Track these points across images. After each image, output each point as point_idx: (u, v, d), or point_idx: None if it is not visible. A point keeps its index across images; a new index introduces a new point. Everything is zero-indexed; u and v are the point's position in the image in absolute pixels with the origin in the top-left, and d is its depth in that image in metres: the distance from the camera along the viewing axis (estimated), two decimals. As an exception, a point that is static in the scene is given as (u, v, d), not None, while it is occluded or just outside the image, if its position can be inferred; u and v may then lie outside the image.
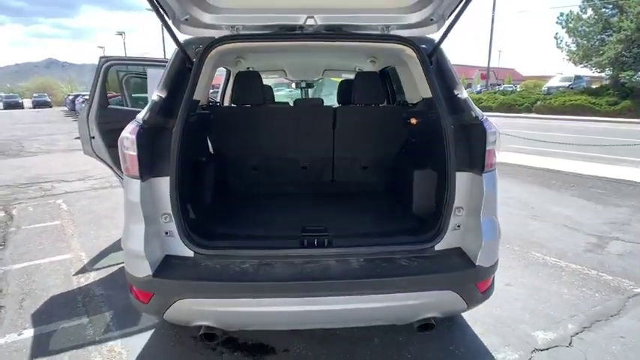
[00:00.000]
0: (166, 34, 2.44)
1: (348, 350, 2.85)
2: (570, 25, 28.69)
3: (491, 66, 39.79)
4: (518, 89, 38.90)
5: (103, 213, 6.14)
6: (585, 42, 28.26)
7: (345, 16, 2.57)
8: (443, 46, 2.67)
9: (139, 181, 2.18)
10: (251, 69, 4.56)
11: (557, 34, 30.15)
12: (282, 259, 2.31)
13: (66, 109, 39.77)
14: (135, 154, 2.16)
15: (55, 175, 9.12)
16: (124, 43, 55.68)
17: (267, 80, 6.11)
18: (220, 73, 5.40)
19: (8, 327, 3.16)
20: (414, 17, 2.58)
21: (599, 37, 27.65)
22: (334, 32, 2.66)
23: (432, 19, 2.60)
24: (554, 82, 33.34)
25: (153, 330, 3.07)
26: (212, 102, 4.21)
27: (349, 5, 2.54)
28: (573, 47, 29.24)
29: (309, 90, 6.87)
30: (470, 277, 2.29)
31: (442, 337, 3.00)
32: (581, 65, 29.31)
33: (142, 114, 2.32)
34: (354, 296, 2.20)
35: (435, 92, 2.46)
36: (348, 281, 2.18)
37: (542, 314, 3.33)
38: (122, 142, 2.21)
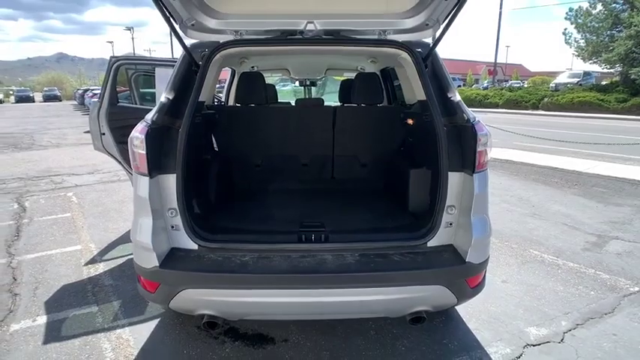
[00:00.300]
0: (174, 38, 2.57)
1: (344, 341, 2.97)
2: (579, 20, 28.39)
3: (498, 62, 39.49)
4: (526, 85, 38.62)
5: (112, 206, 6.31)
6: (594, 38, 27.95)
7: (343, 21, 2.69)
8: (442, 46, 2.78)
9: (147, 177, 2.32)
10: (255, 68, 4.68)
11: (565, 29, 29.89)
12: (280, 253, 2.44)
13: (75, 102, 40.21)
14: (144, 152, 2.29)
15: (65, 168, 9.32)
16: (133, 38, 56.06)
17: (273, 77, 6.25)
18: (226, 68, 5.53)
19: (23, 314, 3.32)
20: (410, 22, 2.68)
21: (608, 32, 27.32)
22: (333, 37, 2.77)
23: (427, 24, 2.70)
24: (562, 79, 33.07)
25: (159, 319, 3.21)
26: (217, 101, 4.34)
27: (347, 11, 2.65)
28: (582, 43, 28.95)
29: (313, 87, 6.99)
30: (460, 272, 2.40)
31: (436, 330, 3.11)
32: (590, 61, 29.02)
33: (151, 114, 2.46)
34: (348, 289, 2.32)
35: (429, 95, 2.57)
36: (342, 275, 2.30)
37: (537, 311, 3.41)
38: (132, 141, 2.34)
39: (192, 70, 2.66)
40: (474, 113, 2.58)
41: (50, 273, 4.04)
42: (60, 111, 31.56)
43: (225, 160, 3.76)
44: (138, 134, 2.32)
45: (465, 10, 2.35)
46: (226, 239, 2.55)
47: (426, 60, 2.70)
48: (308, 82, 6.59)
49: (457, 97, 2.60)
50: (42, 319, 3.23)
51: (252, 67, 4.67)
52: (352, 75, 5.19)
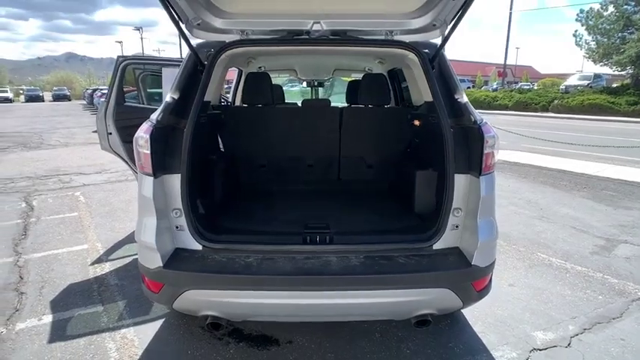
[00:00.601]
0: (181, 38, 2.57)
1: (349, 343, 2.95)
2: (590, 22, 28.14)
3: (508, 63, 39.25)
4: (535, 87, 38.33)
5: (119, 205, 6.34)
6: (605, 40, 27.70)
7: (350, 22, 2.68)
8: (451, 47, 2.77)
9: (151, 177, 2.32)
10: (262, 69, 4.69)
11: (576, 31, 29.66)
12: (285, 255, 2.43)
13: (84, 102, 40.56)
14: (148, 152, 2.30)
15: (73, 167, 9.40)
16: (142, 38, 56.47)
17: (281, 78, 6.26)
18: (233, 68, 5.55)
19: (29, 312, 3.34)
20: (417, 23, 2.66)
21: (620, 34, 27.08)
22: (339, 37, 2.76)
23: (434, 25, 2.68)
24: (572, 81, 32.78)
25: (163, 319, 3.22)
26: (224, 101, 4.35)
27: (354, 11, 2.63)
28: (593, 45, 28.70)
29: (320, 88, 6.99)
30: (465, 276, 2.37)
31: (442, 334, 3.08)
32: (601, 64, 28.76)
33: (156, 114, 2.46)
34: (352, 291, 2.31)
35: (435, 96, 2.55)
36: (346, 277, 2.29)
37: (543, 315, 3.37)
38: (137, 141, 2.35)
39: (197, 69, 2.66)
40: (481, 115, 2.56)
41: (56, 272, 4.06)
42: (69, 110, 31.86)
43: (230, 160, 3.77)
44: (142, 134, 2.32)
45: (472, 11, 2.34)
46: (230, 240, 2.55)
47: (433, 61, 2.68)
48: (315, 83, 6.59)
49: (464, 98, 2.57)
50: (47, 318, 3.25)
51: (260, 67, 4.67)
52: (360, 76, 5.19)
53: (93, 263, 4.27)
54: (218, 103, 3.95)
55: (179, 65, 2.82)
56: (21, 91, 60.75)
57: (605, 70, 31.21)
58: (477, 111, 2.58)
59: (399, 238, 2.60)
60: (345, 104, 4.49)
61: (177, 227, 2.47)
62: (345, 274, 2.30)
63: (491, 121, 2.59)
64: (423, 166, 3.08)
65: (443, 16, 2.60)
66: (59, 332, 3.07)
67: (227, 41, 2.68)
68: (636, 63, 25.43)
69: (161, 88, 4.92)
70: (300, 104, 4.92)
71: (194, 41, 2.76)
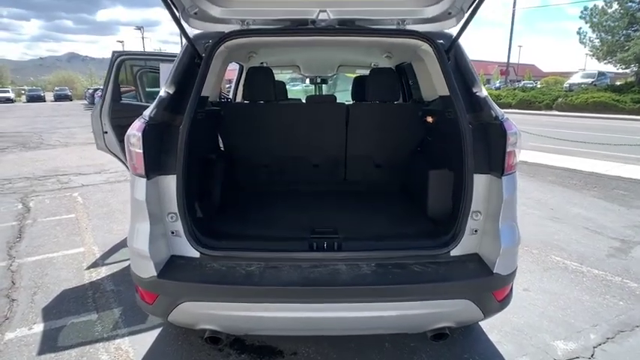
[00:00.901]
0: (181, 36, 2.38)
1: (357, 354, 2.77)
2: (594, 19, 27.91)
3: (510, 62, 38.98)
4: (539, 86, 38.09)
5: (117, 207, 6.17)
6: (610, 37, 27.51)
7: (358, 10, 2.47)
8: (461, 40, 2.54)
9: (144, 179, 2.13)
10: (264, 64, 4.49)
11: (580, 29, 29.44)
12: (290, 263, 2.24)
13: (86, 102, 40.42)
14: (141, 151, 2.10)
15: (72, 168, 9.24)
16: (143, 38, 56.34)
17: (281, 76, 6.05)
18: (233, 68, 5.36)
19: (19, 321, 3.16)
20: (431, 11, 2.46)
21: (624, 32, 26.89)
22: (347, 27, 2.56)
23: (449, 13, 2.48)
24: (576, 79, 32.59)
25: (160, 329, 3.04)
26: (224, 98, 4.16)
27: None
28: (597, 43, 28.48)
29: (324, 86, 6.77)
30: (487, 285, 2.18)
31: (456, 344, 2.90)
32: (605, 61, 28.56)
33: (149, 110, 2.27)
34: (363, 303, 2.12)
35: (452, 90, 2.34)
36: (357, 287, 2.09)
37: (562, 322, 3.19)
38: (128, 139, 2.16)
39: (194, 62, 2.46)
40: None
41: (50, 277, 3.89)
42: (70, 110, 31.71)
43: (230, 160, 3.57)
44: (134, 132, 2.13)
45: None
46: (231, 247, 2.36)
47: (449, 52, 2.47)
48: (319, 80, 6.38)
49: (483, 92, 2.37)
50: (39, 327, 3.08)
51: (261, 63, 4.48)
52: (365, 72, 4.99)
53: (89, 267, 4.10)
54: (217, 100, 3.76)
55: None
56: (22, 92, 60.68)
57: (608, 68, 31.00)
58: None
59: (413, 244, 2.40)
60: (350, 101, 4.29)
61: (172, 233, 2.27)
62: (355, 284, 2.10)
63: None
64: (437, 166, 2.89)
65: (459, 3, 2.40)
66: (50, 343, 2.89)
67: (226, 32, 2.48)
68: (641, 60, 25.23)
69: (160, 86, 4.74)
70: (304, 101, 4.72)
71: (191, 32, 2.56)
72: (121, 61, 4.38)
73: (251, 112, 3.64)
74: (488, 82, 51.74)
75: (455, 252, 2.31)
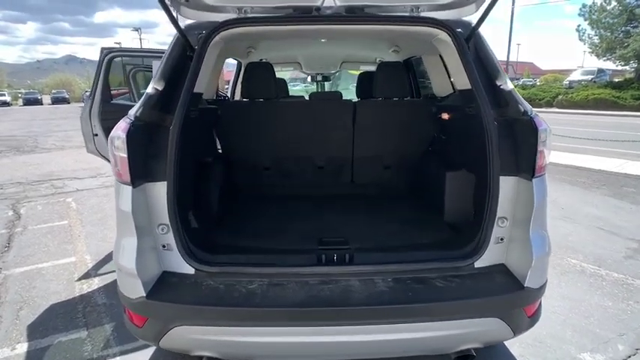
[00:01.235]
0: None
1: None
2: (593, 16, 27.76)
3: (509, 60, 38.77)
4: (538, 83, 37.95)
5: (113, 212, 5.82)
6: (609, 34, 27.36)
7: None
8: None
9: (130, 187, 1.89)
10: (264, 60, 4.25)
11: (579, 26, 29.32)
12: (296, 278, 2.00)
13: (83, 104, 40.08)
14: (125, 155, 1.86)
15: (67, 172, 9.00)
16: (140, 39, 55.98)
17: (280, 74, 5.79)
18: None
19: (2, 340, 2.93)
20: None
21: (623, 28, 26.75)
22: (356, 15, 2.32)
23: None
24: (575, 76, 32.42)
25: (154, 348, 2.78)
26: (222, 96, 3.92)
27: None
28: (596, 40, 28.35)
29: (326, 84, 6.52)
30: (518, 301, 1.96)
31: (476, 358, 2.67)
32: (604, 58, 28.44)
33: (135, 109, 2.02)
34: (380, 325, 1.88)
35: (474, 83, 2.11)
36: (373, 308, 1.86)
37: (587, 332, 2.98)
38: (112, 142, 1.92)
39: (186, 55, 2.21)
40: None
41: (39, 290, 3.66)
42: (67, 113, 31.38)
43: (228, 163, 3.33)
44: (118, 133, 1.88)
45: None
46: (229, 261, 2.12)
47: (468, 41, 2.23)
48: (321, 78, 6.12)
49: (508, 84, 2.13)
50: (22, 348, 2.84)
51: (260, 59, 4.23)
52: (370, 68, 4.76)
53: (80, 279, 3.87)
54: (214, 98, 3.52)
55: None
56: (19, 95, 60.35)
57: (607, 64, 30.88)
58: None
59: (433, 255, 2.16)
60: (354, 99, 4.04)
61: (163, 246, 2.03)
62: (371, 303, 1.86)
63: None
64: (454, 167, 2.65)
65: None
66: (34, 365, 2.67)
67: (221, 21, 2.23)
68: (640, 57, 25.11)
69: None
70: (307, 98, 4.46)
71: (183, 23, 2.31)
72: (110, 58, 4.12)
73: (250, 111, 3.39)
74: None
75: (479, 263, 2.07)
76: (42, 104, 49.91)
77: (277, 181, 3.58)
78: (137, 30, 55.22)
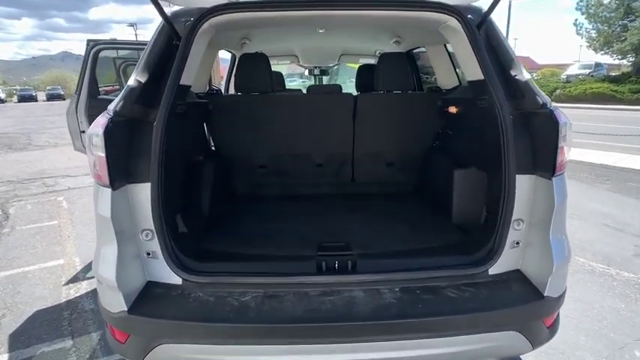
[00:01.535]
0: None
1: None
2: (591, 10, 27.65)
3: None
4: (536, 78, 37.84)
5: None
6: (606, 28, 27.26)
7: None
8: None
9: (109, 189, 1.71)
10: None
11: (576, 20, 29.24)
12: (294, 289, 1.83)
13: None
14: (103, 155, 1.68)
15: (59, 169, 8.81)
16: (136, 35, 55.40)
17: (277, 68, 5.58)
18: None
19: (-19, 351, 2.76)
20: None
21: (621, 22, 26.65)
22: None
23: None
24: (573, 70, 32.28)
25: (144, 358, 2.64)
26: (215, 90, 3.71)
27: None
28: (594, 34, 28.26)
29: (324, 77, 6.31)
30: (537, 311, 1.80)
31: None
32: (602, 52, 28.36)
33: (115, 103, 1.83)
34: (388, 342, 1.70)
35: (488, 73, 1.93)
36: (380, 323, 1.68)
37: (601, 337, 2.84)
38: (90, 140, 1.73)
39: (173, 44, 2.01)
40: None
41: (23, 295, 3.48)
42: (62, 110, 30.40)
43: (221, 161, 3.13)
44: (96, 130, 1.70)
45: None
46: (220, 270, 1.94)
47: (480, 28, 2.05)
48: (318, 71, 5.91)
49: (524, 74, 1.94)
50: (2, 359, 2.67)
51: (256, 51, 4.03)
52: (370, 61, 4.57)
53: (67, 283, 3.69)
54: (205, 92, 3.33)
55: None
56: (14, 91, 59.85)
57: (604, 58, 30.76)
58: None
59: (443, 262, 1.98)
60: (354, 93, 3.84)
61: (148, 254, 1.85)
62: (378, 318, 1.68)
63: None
64: (462, 164, 2.48)
65: None
66: (14, 378, 2.50)
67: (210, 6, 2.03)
68: (638, 50, 25.04)
69: None
70: (305, 91, 4.26)
71: (169, 10, 2.11)
72: (97, 50, 3.90)
73: (244, 105, 3.20)
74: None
75: (494, 270, 1.90)
76: (37, 101, 49.39)
77: (273, 180, 3.40)
78: (132, 26, 54.61)
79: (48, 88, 58.46)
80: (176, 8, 2.13)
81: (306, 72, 6.18)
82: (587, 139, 10.11)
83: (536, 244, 1.90)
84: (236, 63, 3.84)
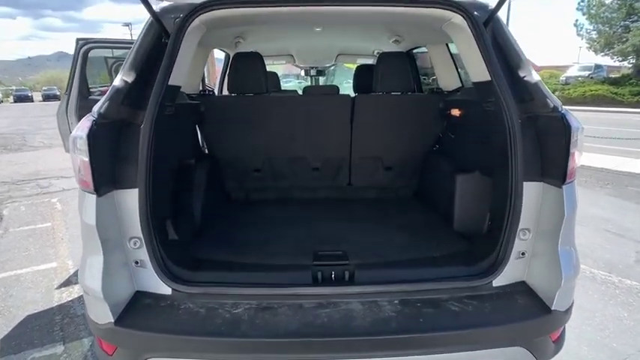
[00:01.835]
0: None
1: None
2: (592, 11, 27.60)
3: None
4: (535, 79, 37.79)
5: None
6: (607, 29, 27.24)
7: None
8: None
9: (94, 196, 1.63)
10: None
11: (577, 21, 29.18)
12: (288, 300, 1.75)
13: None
14: (87, 159, 1.60)
15: (54, 170, 8.73)
16: (131, 35, 55.24)
17: (272, 69, 5.50)
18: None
19: (-31, 358, 2.69)
20: None
21: (622, 23, 26.63)
22: None
23: None
24: (572, 72, 32.16)
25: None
26: (208, 91, 3.62)
27: None
28: (594, 35, 28.22)
29: (320, 78, 6.23)
30: (544, 326, 1.73)
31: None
32: (602, 54, 28.32)
33: (99, 105, 1.74)
34: (388, 358, 1.63)
35: (495, 74, 1.84)
36: (379, 338, 1.61)
37: (604, 347, 2.77)
38: (73, 144, 1.65)
39: (161, 42, 1.93)
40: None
41: (15, 299, 3.42)
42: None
43: (214, 165, 3.05)
44: (79, 133, 1.62)
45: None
46: (212, 280, 1.86)
47: (486, 26, 1.96)
48: (314, 72, 5.83)
49: (534, 76, 1.86)
50: (-10, 366, 2.61)
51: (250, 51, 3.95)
52: (367, 61, 4.50)
53: (60, 286, 3.63)
54: (197, 93, 3.24)
55: None
56: (10, 92, 59.68)
57: (605, 60, 30.76)
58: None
59: (445, 272, 1.92)
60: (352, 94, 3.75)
61: (136, 263, 1.77)
62: (377, 333, 1.61)
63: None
64: (465, 169, 2.40)
65: None
66: (2, 387, 2.43)
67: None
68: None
69: None
70: (301, 92, 4.17)
71: (158, 6, 2.02)
72: (87, 49, 3.81)
73: (238, 106, 3.11)
74: (482, 76, 51.15)
75: (498, 281, 1.83)
76: (33, 101, 49.28)
77: (268, 184, 3.32)
78: (128, 25, 54.42)
79: (44, 88, 58.35)
80: (165, 4, 2.02)
81: (302, 72, 6.10)
82: (586, 142, 10.00)
83: (543, 255, 1.82)
84: (230, 63, 3.74)
